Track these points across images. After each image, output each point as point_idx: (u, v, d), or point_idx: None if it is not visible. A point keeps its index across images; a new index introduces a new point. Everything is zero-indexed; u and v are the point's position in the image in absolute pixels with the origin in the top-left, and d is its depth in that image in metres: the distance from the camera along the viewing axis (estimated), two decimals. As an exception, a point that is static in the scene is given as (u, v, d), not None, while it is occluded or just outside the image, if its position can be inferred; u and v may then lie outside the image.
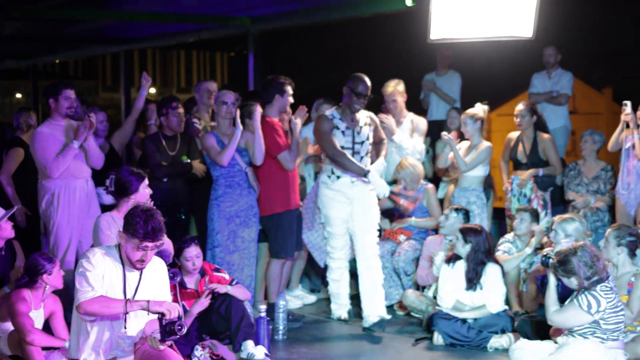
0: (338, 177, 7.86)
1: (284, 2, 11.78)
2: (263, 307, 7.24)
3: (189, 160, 8.29)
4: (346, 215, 7.90)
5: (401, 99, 9.20)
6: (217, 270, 7.19)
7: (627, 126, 8.75)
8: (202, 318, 6.82)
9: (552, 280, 6.19)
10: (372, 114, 8.07)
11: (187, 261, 7.01)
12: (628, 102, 8.56)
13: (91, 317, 5.37)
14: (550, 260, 6.22)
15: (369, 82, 7.77)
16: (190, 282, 7.04)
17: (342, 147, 7.73)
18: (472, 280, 7.47)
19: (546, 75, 10.40)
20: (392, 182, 8.95)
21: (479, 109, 8.91)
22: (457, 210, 8.30)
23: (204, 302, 6.74)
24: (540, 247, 7.94)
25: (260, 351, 6.76)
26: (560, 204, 9.31)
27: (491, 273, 7.46)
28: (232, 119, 7.94)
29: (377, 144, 8.16)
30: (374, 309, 7.78)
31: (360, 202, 7.87)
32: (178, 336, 5.22)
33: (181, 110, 8.33)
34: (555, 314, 6.10)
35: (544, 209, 8.94)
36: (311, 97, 9.81)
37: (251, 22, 12.28)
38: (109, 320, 5.43)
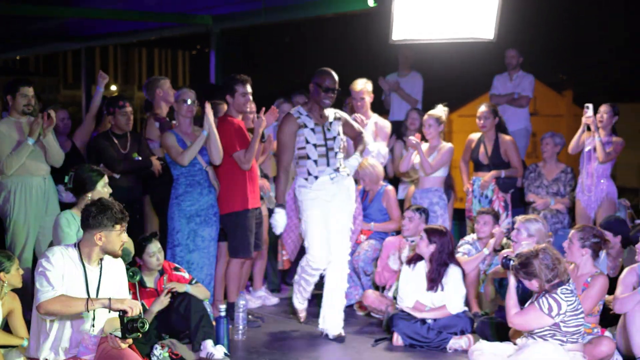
0: (316, 178, 7.53)
1: (246, 1, 11.74)
2: (223, 306, 7.21)
3: (139, 158, 8.25)
4: (328, 214, 7.59)
5: (368, 99, 9.18)
6: (177, 269, 7.16)
7: (588, 129, 8.84)
8: (161, 317, 6.77)
9: (512, 282, 6.21)
10: (338, 110, 7.81)
11: (150, 257, 6.97)
12: (590, 105, 8.66)
13: (52, 317, 5.37)
14: (511, 262, 6.23)
15: (336, 76, 7.50)
16: (150, 281, 7.00)
17: (315, 145, 7.47)
18: (434, 280, 7.49)
19: (507, 77, 10.47)
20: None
21: (441, 110, 8.94)
22: (418, 210, 8.32)
23: (163, 301, 6.70)
24: (499, 249, 7.98)
25: (219, 351, 6.74)
26: (520, 205, 9.38)
27: (453, 274, 7.49)
28: (192, 117, 7.91)
29: (355, 138, 7.97)
30: (333, 325, 7.65)
31: (338, 198, 7.59)
32: (140, 333, 5.21)
33: (129, 109, 8.24)
34: (516, 316, 6.11)
35: (504, 210, 8.99)
36: (275, 96, 9.80)
37: (213, 21, 12.26)
38: (69, 319, 5.43)
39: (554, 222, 8.94)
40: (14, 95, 7.74)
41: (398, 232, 8.71)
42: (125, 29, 14.25)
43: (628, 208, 9.01)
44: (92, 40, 15.54)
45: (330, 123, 7.60)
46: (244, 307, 7.54)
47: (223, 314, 7.08)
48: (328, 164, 7.51)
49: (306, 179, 7.53)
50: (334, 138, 7.58)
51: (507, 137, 9.21)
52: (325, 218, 7.55)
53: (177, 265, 7.29)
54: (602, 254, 7.43)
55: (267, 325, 8.06)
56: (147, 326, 5.23)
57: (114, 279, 5.62)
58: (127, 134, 8.29)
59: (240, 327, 7.51)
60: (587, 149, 8.76)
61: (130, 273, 6.41)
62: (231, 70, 8.34)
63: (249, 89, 8.01)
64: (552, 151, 9.24)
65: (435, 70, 12.51)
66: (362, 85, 9.13)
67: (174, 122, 8.33)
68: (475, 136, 9.36)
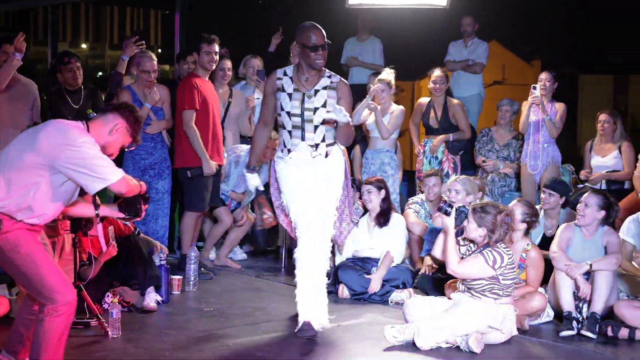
0: (289, 151, 6.48)
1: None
2: (163, 255, 7.42)
3: (94, 114, 8.40)
4: (310, 184, 6.39)
5: None
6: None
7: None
8: (109, 265, 6.95)
9: (452, 230, 6.28)
10: (339, 81, 6.44)
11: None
12: (537, 86, 8.90)
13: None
14: (461, 209, 6.35)
15: (322, 30, 6.25)
16: (93, 230, 7.13)
17: (289, 113, 6.35)
18: (381, 222, 7.81)
19: (463, 44, 10.69)
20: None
21: (388, 73, 9.15)
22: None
23: (110, 251, 6.82)
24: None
25: (152, 298, 6.95)
26: (470, 167, 9.64)
27: (396, 221, 7.84)
28: (152, 82, 8.18)
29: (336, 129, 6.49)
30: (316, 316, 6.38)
31: (317, 180, 6.42)
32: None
33: (75, 64, 8.29)
34: (460, 265, 6.20)
35: (454, 171, 9.26)
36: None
37: (179, -20, 12.37)
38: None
39: (501, 185, 9.25)
40: None
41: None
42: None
43: (572, 173, 9.33)
44: (60, -4, 15.56)
45: (316, 91, 6.38)
46: (195, 259, 7.76)
47: (163, 262, 7.28)
48: (303, 138, 6.41)
49: (282, 150, 6.53)
50: (315, 109, 6.36)
51: (455, 101, 9.50)
52: (305, 187, 6.38)
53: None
54: (541, 213, 7.75)
55: (218, 277, 8.31)
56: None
57: None
58: (80, 89, 8.41)
59: (192, 278, 7.72)
60: (532, 119, 9.01)
61: (84, 222, 6.44)
62: (203, 31, 8.44)
63: (215, 48, 8.15)
64: (509, 118, 9.52)
65: (397, 37, 12.68)
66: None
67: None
68: (424, 100, 9.63)
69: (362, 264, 7.77)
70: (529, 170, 9.01)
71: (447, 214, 6.28)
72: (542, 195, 7.76)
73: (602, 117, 8.90)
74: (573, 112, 9.84)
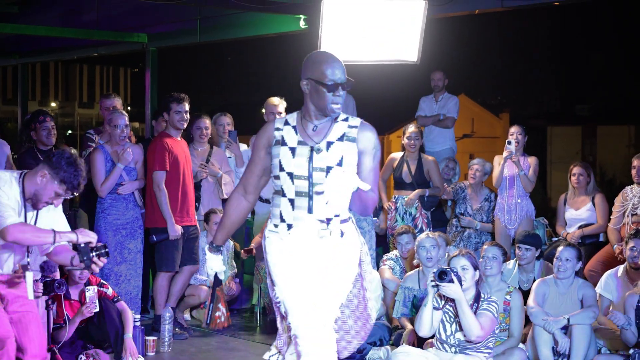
0: (289, 227, 4.76)
1: (183, 20, 11.94)
2: (137, 316, 7.32)
3: None
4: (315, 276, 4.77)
5: (284, 115, 9.25)
6: (101, 285, 7.23)
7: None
8: (82, 328, 6.86)
9: (464, 298, 6.04)
10: (361, 125, 4.78)
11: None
12: (512, 140, 8.94)
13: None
14: (454, 272, 6.11)
15: (342, 64, 4.73)
16: (75, 294, 7.10)
17: (291, 175, 4.69)
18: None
19: (433, 99, 10.74)
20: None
21: None
22: None
23: (84, 313, 6.75)
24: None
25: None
26: (441, 224, 9.62)
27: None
28: (125, 139, 8.12)
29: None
30: None
31: (332, 270, 4.77)
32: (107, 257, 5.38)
33: (50, 123, 8.24)
34: (482, 330, 6.04)
35: (427, 227, 9.24)
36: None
37: (148, 39, 12.42)
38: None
39: (476, 242, 9.22)
40: None
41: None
42: (64, 45, 14.35)
43: (546, 226, 9.34)
44: (29, 56, 15.58)
45: (329, 143, 4.72)
46: (170, 320, 7.68)
47: (138, 323, 7.18)
48: (310, 210, 4.70)
49: (276, 225, 4.81)
50: (329, 169, 4.67)
51: (430, 158, 9.50)
52: (304, 273, 4.77)
53: (102, 280, 7.38)
54: (515, 267, 7.76)
55: (193, 338, 8.18)
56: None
57: (50, 218, 5.51)
58: (52, 149, 8.29)
59: (166, 339, 7.61)
60: (506, 173, 9.04)
61: (57, 284, 6.52)
62: (173, 89, 8.42)
63: (185, 107, 8.10)
64: (480, 179, 9.47)
65: (369, 93, 12.78)
66: (279, 102, 9.17)
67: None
68: (397, 155, 9.60)
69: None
70: (504, 224, 9.00)
71: (452, 281, 6.04)
72: (518, 252, 7.75)
73: (576, 169, 8.92)
74: (542, 164, 9.90)
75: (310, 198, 4.66)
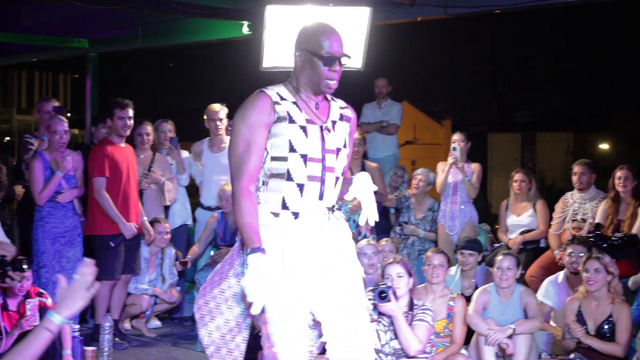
0: (295, 216, 4.18)
1: (124, 26, 11.82)
2: (76, 326, 7.20)
3: None
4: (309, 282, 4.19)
5: (225, 122, 9.21)
6: (41, 294, 7.10)
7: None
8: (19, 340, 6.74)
9: (401, 314, 6.10)
10: (348, 107, 4.46)
11: (13, 281, 6.93)
12: (457, 147, 8.98)
13: None
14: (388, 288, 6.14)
15: (341, 36, 4.28)
16: (13, 305, 6.96)
17: (305, 157, 4.16)
18: None
19: (377, 106, 10.76)
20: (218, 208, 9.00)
21: None
22: None
23: (23, 325, 6.64)
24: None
25: None
26: (385, 231, 9.62)
27: None
28: (64, 146, 7.99)
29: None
30: None
31: (328, 255, 4.24)
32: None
33: None
34: (421, 343, 6.10)
35: (372, 233, 9.24)
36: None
37: (89, 44, 12.29)
38: None
39: (419, 250, 9.23)
40: None
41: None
42: (2, 50, 14.14)
43: (488, 232, 9.39)
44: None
45: (334, 122, 4.32)
46: (109, 329, 7.55)
47: (77, 334, 7.07)
48: (321, 196, 4.23)
49: (276, 215, 4.19)
50: (338, 151, 4.28)
51: (374, 165, 9.49)
52: (304, 290, 4.16)
53: (41, 290, 7.25)
54: (458, 273, 7.79)
55: (133, 347, 8.08)
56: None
57: None
58: None
59: (106, 349, 7.48)
60: (450, 180, 9.08)
61: None
62: (115, 94, 8.30)
63: (128, 113, 8.02)
64: (423, 188, 9.48)
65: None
66: (220, 108, 9.15)
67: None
68: (340, 162, 9.59)
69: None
70: (447, 230, 9.04)
71: (390, 300, 6.04)
72: (461, 258, 7.78)
73: (518, 176, 8.98)
74: (483, 171, 9.95)
75: (323, 183, 4.20)
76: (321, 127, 4.22)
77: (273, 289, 3.94)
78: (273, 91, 4.20)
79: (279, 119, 4.15)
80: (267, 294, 3.86)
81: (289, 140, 4.15)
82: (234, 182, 4.15)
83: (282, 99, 4.18)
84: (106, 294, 8.08)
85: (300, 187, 4.16)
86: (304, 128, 4.17)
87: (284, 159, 4.16)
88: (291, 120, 4.16)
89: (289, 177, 4.17)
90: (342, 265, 4.25)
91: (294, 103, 4.20)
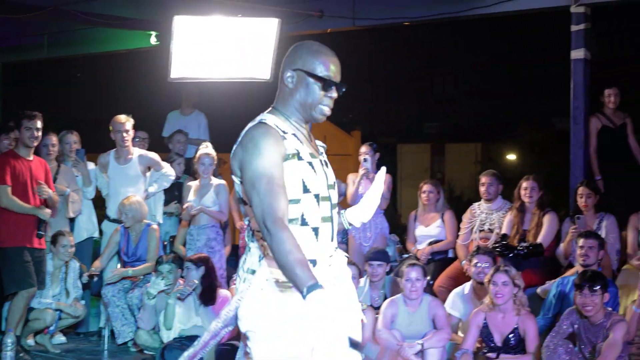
0: (313, 264, 3.60)
1: (29, 35, 11.60)
2: None
3: None
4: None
5: (132, 133, 9.07)
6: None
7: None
8: None
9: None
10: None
11: None
12: (368, 158, 9.00)
13: None
14: None
15: (335, 57, 3.79)
16: None
17: (318, 197, 3.67)
18: (206, 300, 7.68)
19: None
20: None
21: (211, 148, 8.93)
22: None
23: None
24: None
25: None
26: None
27: (223, 297, 7.73)
28: None
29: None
30: None
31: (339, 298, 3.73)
32: None
33: None
34: None
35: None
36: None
37: (-7, 53, 12.04)
38: None
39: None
40: None
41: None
42: None
43: (397, 243, 9.44)
44: None
45: (322, 155, 3.89)
46: (12, 346, 7.37)
47: None
48: (332, 238, 3.79)
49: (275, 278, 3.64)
50: (334, 185, 3.86)
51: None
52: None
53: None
54: (367, 284, 7.80)
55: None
56: None
57: None
58: None
59: (9, 365, 7.36)
60: (361, 191, 9.11)
61: None
62: (14, 105, 8.16)
63: (36, 124, 7.89)
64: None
65: (221, 110, 12.67)
66: (125, 119, 8.98)
67: None
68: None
69: (190, 343, 7.54)
70: (359, 242, 9.05)
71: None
72: (370, 269, 7.79)
73: (426, 187, 9.05)
74: (393, 181, 10.03)
75: (332, 222, 3.74)
76: (322, 161, 3.76)
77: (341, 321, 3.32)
78: (271, 122, 3.64)
79: (291, 156, 3.60)
80: (343, 327, 3.30)
81: (302, 180, 3.62)
82: (266, 222, 3.41)
83: (283, 132, 3.63)
84: (22, 306, 7.87)
85: (316, 230, 3.66)
86: (311, 164, 3.65)
87: (297, 201, 3.60)
88: (299, 157, 3.62)
89: (303, 222, 3.63)
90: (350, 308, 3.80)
91: (294, 135, 3.66)
